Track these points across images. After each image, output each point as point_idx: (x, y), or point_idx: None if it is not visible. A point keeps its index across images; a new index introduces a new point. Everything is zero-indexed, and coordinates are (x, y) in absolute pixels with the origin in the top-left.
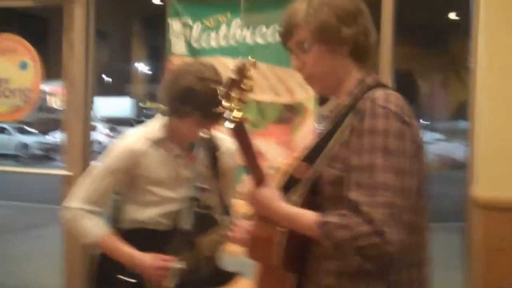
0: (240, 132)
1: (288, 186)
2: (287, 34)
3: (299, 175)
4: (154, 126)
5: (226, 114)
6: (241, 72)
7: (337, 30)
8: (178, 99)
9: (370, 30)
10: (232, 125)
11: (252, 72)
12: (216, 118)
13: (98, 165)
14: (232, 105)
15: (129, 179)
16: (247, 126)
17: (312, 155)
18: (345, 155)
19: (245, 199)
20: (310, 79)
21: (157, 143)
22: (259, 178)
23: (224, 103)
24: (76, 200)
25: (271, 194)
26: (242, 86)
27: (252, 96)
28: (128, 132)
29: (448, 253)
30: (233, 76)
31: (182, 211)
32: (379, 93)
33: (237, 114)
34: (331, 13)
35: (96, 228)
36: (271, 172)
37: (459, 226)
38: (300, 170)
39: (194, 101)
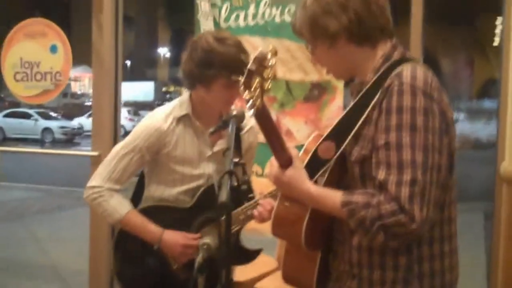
0: (263, 119)
1: (314, 165)
2: (302, 37)
3: (325, 155)
4: (179, 103)
5: (248, 103)
6: (261, 61)
7: (325, 27)
8: (200, 64)
9: (366, 14)
10: (254, 113)
11: (273, 61)
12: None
13: (121, 145)
14: (253, 93)
15: (153, 158)
16: (270, 111)
17: (339, 134)
18: (373, 134)
19: (270, 180)
20: (328, 72)
21: (182, 120)
22: (285, 160)
23: (245, 93)
24: (99, 179)
25: (297, 175)
26: (263, 74)
27: (278, 78)
28: (153, 111)
29: (471, 233)
30: (252, 66)
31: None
32: (406, 70)
33: (258, 102)
34: (318, 9)
35: (119, 206)
36: (297, 152)
37: (482, 206)
38: (327, 150)
39: (217, 62)
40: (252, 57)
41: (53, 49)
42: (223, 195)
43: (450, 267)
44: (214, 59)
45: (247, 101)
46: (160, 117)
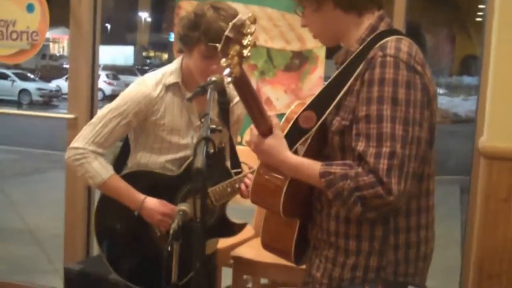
0: (241, 86)
1: (295, 135)
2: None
3: (306, 124)
4: (170, 71)
5: (226, 70)
6: (239, 28)
7: None
8: (188, 26)
9: None
10: (231, 80)
11: (252, 28)
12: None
13: (108, 108)
14: (230, 61)
15: (140, 125)
16: (250, 78)
17: (320, 104)
18: (354, 105)
19: (250, 148)
20: (315, 36)
21: (172, 88)
22: (265, 128)
23: (222, 60)
24: (83, 141)
25: (277, 144)
26: (242, 41)
27: (260, 45)
28: (143, 77)
29: (446, 205)
30: (229, 33)
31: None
32: (390, 42)
33: (236, 70)
34: None
35: (102, 169)
36: (277, 121)
37: (459, 179)
38: (308, 119)
39: (202, 26)
40: (230, 24)
41: (30, 8)
42: (198, 162)
43: (425, 239)
44: (201, 23)
45: (225, 68)
46: (150, 84)
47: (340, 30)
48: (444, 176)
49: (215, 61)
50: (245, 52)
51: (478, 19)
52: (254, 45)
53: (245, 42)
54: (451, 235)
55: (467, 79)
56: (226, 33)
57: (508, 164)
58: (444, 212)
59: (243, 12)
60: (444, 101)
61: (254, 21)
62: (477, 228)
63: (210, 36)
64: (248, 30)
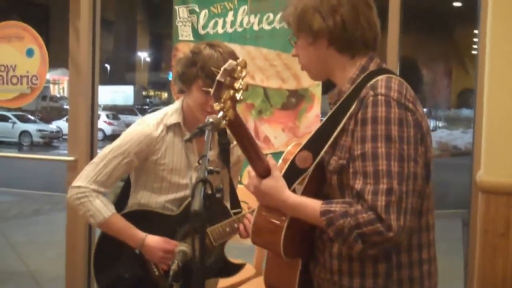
0: (236, 128)
1: (292, 175)
2: (289, 27)
3: (303, 164)
4: (171, 111)
5: (220, 114)
6: (230, 73)
7: (310, 23)
8: (186, 64)
9: (353, 23)
10: (226, 124)
11: (243, 73)
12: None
13: (110, 147)
14: (223, 105)
15: (141, 164)
16: (244, 121)
17: (315, 144)
18: (350, 144)
19: (249, 191)
20: (303, 67)
21: (172, 128)
22: (262, 169)
23: (216, 104)
24: (85, 180)
25: (276, 185)
26: (234, 85)
27: (256, 85)
28: (144, 117)
29: (449, 239)
30: (221, 78)
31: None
32: (380, 81)
33: (230, 113)
34: (309, 3)
35: (103, 208)
36: (274, 161)
37: (460, 213)
38: (304, 159)
39: (199, 62)
40: (221, 69)
41: (29, 52)
42: (196, 204)
43: (428, 274)
44: (198, 59)
45: (218, 111)
46: (152, 124)
47: (330, 68)
48: (445, 210)
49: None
50: (238, 96)
51: (475, 52)
52: (246, 89)
53: (237, 86)
54: (454, 270)
55: (466, 112)
56: (218, 78)
57: (504, 198)
58: (447, 246)
59: (239, 52)
60: (444, 134)
61: (245, 65)
62: (477, 262)
63: (207, 70)
64: (240, 74)
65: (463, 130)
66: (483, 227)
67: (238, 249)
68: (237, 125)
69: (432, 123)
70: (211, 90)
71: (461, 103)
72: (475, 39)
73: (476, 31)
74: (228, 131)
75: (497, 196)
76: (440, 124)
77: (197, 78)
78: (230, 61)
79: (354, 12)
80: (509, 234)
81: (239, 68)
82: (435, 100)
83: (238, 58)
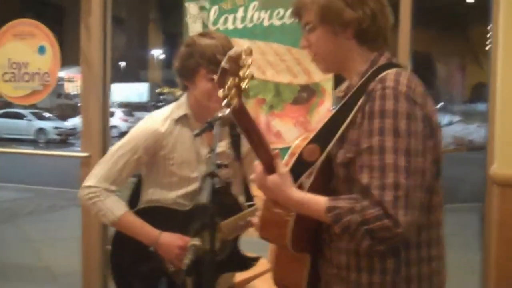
0: (240, 118)
1: (300, 168)
2: (296, 15)
3: (310, 157)
4: (177, 105)
5: (224, 102)
6: (235, 60)
7: (340, 12)
8: (183, 58)
9: (379, 15)
10: (231, 112)
11: (249, 61)
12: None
13: (118, 145)
14: (229, 92)
15: (151, 160)
16: (249, 111)
17: (323, 137)
18: (357, 137)
19: (255, 185)
20: (315, 58)
21: (180, 121)
22: (268, 163)
23: (220, 91)
24: (95, 179)
25: (281, 180)
26: (240, 73)
27: (267, 79)
28: (151, 114)
29: (466, 234)
30: (225, 65)
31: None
32: (389, 74)
33: (235, 102)
34: None
35: (115, 206)
36: (280, 154)
37: (477, 207)
38: (312, 153)
39: (196, 52)
40: (226, 55)
41: (41, 50)
42: (203, 198)
43: (437, 271)
44: (194, 50)
45: (222, 99)
46: (158, 120)
47: (344, 61)
48: (462, 204)
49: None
50: (243, 85)
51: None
52: (252, 77)
53: (242, 74)
54: (472, 264)
55: (481, 106)
56: (222, 64)
57: None
58: (464, 241)
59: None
60: (459, 129)
61: (250, 53)
62: (493, 256)
63: (207, 58)
64: (244, 62)
65: (479, 124)
66: (499, 220)
67: (253, 243)
68: (242, 114)
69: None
70: (215, 77)
71: (476, 97)
72: (489, 35)
73: (489, 27)
74: None
75: (510, 189)
76: (456, 118)
77: (199, 67)
78: (236, 48)
79: (380, 4)
80: None
81: (244, 55)
82: (450, 94)
83: (232, 44)
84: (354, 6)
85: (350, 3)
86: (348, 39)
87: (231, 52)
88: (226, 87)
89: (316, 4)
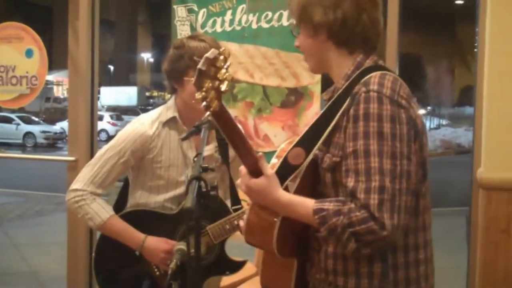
0: (221, 120)
1: (285, 172)
2: (292, 16)
3: (295, 161)
4: (165, 108)
5: (203, 104)
6: (212, 62)
7: (311, 15)
8: (172, 60)
9: (354, 19)
10: (210, 115)
11: (227, 63)
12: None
13: (105, 148)
14: (205, 94)
15: (138, 164)
16: (230, 113)
17: (308, 141)
18: (343, 141)
19: (241, 189)
20: (304, 59)
21: (168, 123)
22: (252, 165)
23: (197, 94)
24: (82, 182)
25: (268, 182)
26: (218, 76)
27: (255, 83)
28: (139, 117)
29: (454, 238)
30: (202, 66)
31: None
32: (374, 77)
33: (214, 104)
34: None
35: (101, 210)
36: (265, 157)
37: (465, 211)
38: (297, 156)
39: (186, 54)
40: (203, 57)
41: (29, 53)
42: (188, 201)
43: (425, 275)
44: (184, 52)
45: (201, 101)
46: (146, 123)
47: (327, 61)
48: (450, 207)
49: None
50: (223, 87)
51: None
52: (231, 80)
53: (220, 76)
54: (460, 267)
55: (469, 110)
56: (199, 66)
57: (505, 194)
58: (452, 244)
59: (238, 51)
60: (447, 132)
61: (228, 55)
62: (478, 259)
63: (196, 60)
64: (222, 64)
65: (467, 128)
66: (484, 224)
67: (239, 247)
68: (222, 117)
69: (435, 121)
70: (192, 79)
71: (464, 101)
72: (477, 37)
73: (476, 29)
74: None
75: (497, 193)
76: (444, 122)
77: (188, 69)
78: (213, 49)
79: (357, 8)
80: (510, 230)
81: (222, 57)
82: (438, 98)
83: (220, 47)
84: (326, 9)
85: (323, 6)
86: (325, 40)
87: (208, 54)
88: (204, 89)
89: (296, 5)
